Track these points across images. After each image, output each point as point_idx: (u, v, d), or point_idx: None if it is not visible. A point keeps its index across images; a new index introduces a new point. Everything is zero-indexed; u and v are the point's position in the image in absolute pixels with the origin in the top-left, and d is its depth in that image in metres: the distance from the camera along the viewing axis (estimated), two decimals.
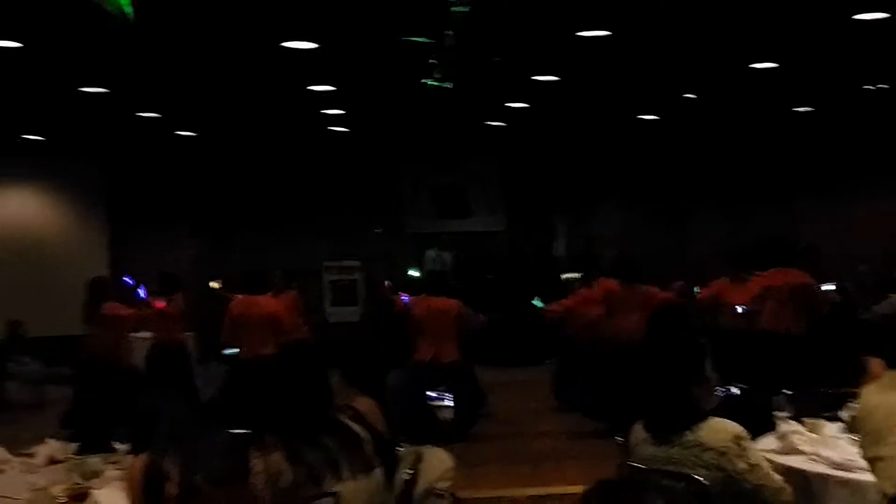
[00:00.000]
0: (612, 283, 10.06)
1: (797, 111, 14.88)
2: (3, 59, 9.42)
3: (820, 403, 5.32)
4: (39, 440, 5.12)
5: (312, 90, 11.87)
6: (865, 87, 12.86)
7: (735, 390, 5.15)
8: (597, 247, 17.10)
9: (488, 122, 15.46)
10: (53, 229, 16.74)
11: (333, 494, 3.72)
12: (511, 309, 15.81)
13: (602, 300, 10.08)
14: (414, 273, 15.90)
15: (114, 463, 4.60)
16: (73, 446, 4.88)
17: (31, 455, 4.81)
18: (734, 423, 3.94)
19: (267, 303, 10.07)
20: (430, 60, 9.68)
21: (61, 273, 15.84)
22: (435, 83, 10.21)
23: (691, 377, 3.97)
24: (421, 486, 3.99)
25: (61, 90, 11.38)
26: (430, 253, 17.06)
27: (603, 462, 6.42)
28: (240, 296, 10.15)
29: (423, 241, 17.50)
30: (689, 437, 3.91)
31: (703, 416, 3.95)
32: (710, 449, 3.85)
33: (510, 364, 14.99)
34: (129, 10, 6.14)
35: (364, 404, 4.12)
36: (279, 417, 4.07)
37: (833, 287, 10.40)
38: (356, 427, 3.96)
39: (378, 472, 3.88)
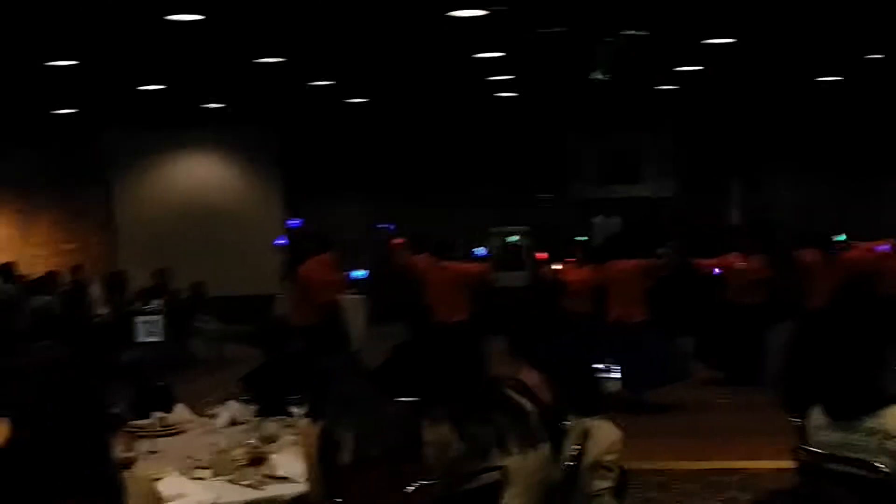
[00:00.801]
0: (812, 253, 9.88)
1: None
2: (186, 32, 9.75)
3: None
4: (220, 399, 5.37)
5: (480, 57, 11.86)
6: None
7: None
8: (773, 214, 16.53)
9: (659, 87, 15.13)
10: (233, 194, 17.44)
11: (500, 468, 3.76)
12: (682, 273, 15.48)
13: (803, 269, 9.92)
14: (581, 239, 15.77)
15: (290, 427, 4.76)
16: (253, 409, 5.08)
17: (212, 416, 5.04)
18: None
19: (458, 268, 10.14)
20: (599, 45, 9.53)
21: (240, 236, 16.48)
22: (602, 72, 10.07)
23: (876, 360, 3.81)
24: (588, 459, 3.98)
25: (239, 60, 11.74)
26: (597, 220, 16.88)
27: (773, 438, 6.26)
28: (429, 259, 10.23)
29: (590, 207, 17.32)
30: (872, 423, 3.77)
31: (886, 402, 3.79)
32: (895, 437, 3.69)
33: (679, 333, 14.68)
34: None
35: (531, 377, 4.12)
36: (447, 389, 4.13)
37: None
38: (523, 401, 3.98)
39: (545, 447, 3.89)
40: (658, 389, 9.93)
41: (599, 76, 10.36)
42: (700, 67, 13.35)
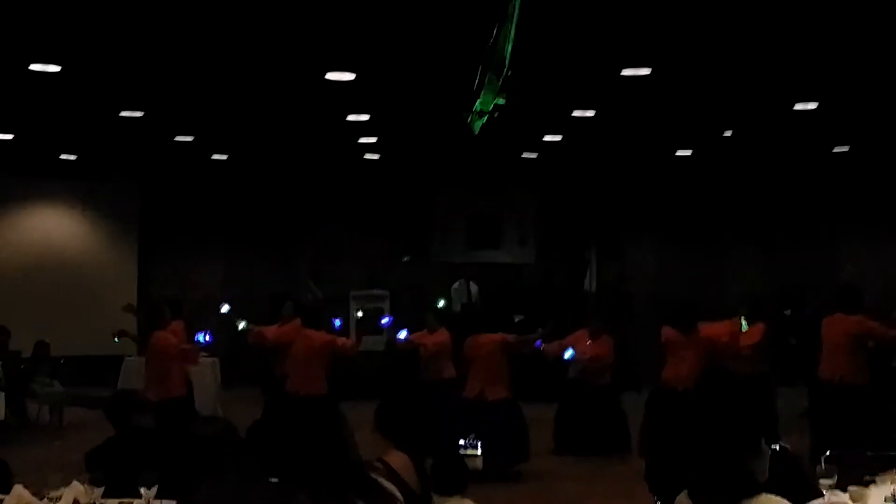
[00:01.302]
0: (669, 330, 9.94)
1: (836, 151, 14.70)
2: (43, 82, 9.42)
3: (864, 467, 5.15)
4: (63, 479, 5.02)
5: (350, 120, 11.82)
6: None
7: (776, 447, 4.97)
8: (628, 283, 16.91)
9: (525, 154, 15.37)
10: (85, 249, 16.78)
11: None
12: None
13: (661, 345, 9.98)
14: (440, 304, 15.77)
15: None
16: (99, 490, 4.77)
17: (55, 499, 4.70)
18: (784, 500, 3.74)
19: (320, 335, 9.80)
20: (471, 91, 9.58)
21: (91, 293, 15.87)
22: (476, 120, 10.11)
23: (748, 447, 3.76)
24: None
25: (100, 112, 11.40)
26: (456, 285, 16.92)
27: None
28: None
29: (452, 270, 17.35)
30: None
31: (757, 490, 3.72)
32: None
33: (534, 399, 14.76)
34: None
35: (397, 459, 4.00)
36: (309, 471, 3.96)
37: None
38: (388, 485, 3.85)
39: None
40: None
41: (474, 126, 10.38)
42: (560, 137, 13.62)
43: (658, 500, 4.46)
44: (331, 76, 9.33)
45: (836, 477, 4.68)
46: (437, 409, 9.51)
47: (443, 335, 10.81)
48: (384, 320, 11.24)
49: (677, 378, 9.53)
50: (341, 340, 9.78)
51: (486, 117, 10.22)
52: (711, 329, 10.05)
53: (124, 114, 11.37)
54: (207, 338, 10.19)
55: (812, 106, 11.13)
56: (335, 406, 9.43)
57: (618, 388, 11.61)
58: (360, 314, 12.30)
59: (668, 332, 9.94)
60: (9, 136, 13.10)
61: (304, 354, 9.48)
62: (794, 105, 11.12)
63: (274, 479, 4.14)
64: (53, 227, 16.67)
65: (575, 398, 11.24)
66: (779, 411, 10.50)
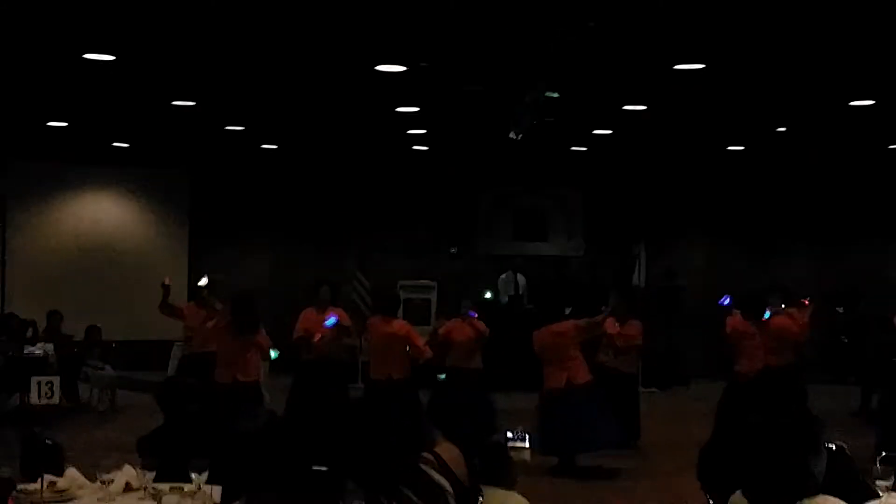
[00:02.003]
0: (737, 320, 9.92)
1: (891, 148, 14.48)
2: (97, 71, 9.53)
3: None
4: (115, 462, 5.08)
5: (399, 111, 11.84)
6: None
7: (832, 446, 4.90)
8: (677, 278, 16.77)
9: (574, 148, 15.31)
10: (136, 237, 17.01)
11: None
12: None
13: (727, 336, 9.94)
14: (486, 295, 15.75)
15: (191, 495, 4.52)
16: (151, 474, 4.82)
17: (106, 482, 4.76)
18: (840, 501, 3.66)
19: (400, 325, 10.14)
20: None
21: (141, 280, 16.05)
22: (516, 132, 10.11)
23: (808, 448, 3.66)
24: None
25: (152, 102, 11.53)
26: (504, 276, 16.88)
27: None
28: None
29: (498, 262, 17.33)
30: None
31: (816, 490, 3.64)
32: None
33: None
34: None
35: (448, 451, 4.00)
36: (361, 465, 3.95)
37: None
38: (438, 478, 3.85)
39: None
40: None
41: (513, 136, 10.36)
42: (611, 131, 13.55)
43: (710, 499, 4.42)
44: (381, 68, 9.33)
45: (893, 478, 4.61)
46: (487, 403, 9.55)
47: (479, 325, 10.80)
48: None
49: (753, 370, 9.45)
50: (418, 341, 9.96)
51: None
52: (780, 320, 10.03)
53: (176, 103, 11.47)
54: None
55: (868, 103, 10.97)
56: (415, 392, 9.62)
57: (661, 382, 11.51)
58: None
59: (736, 322, 9.81)
60: (63, 124, 13.29)
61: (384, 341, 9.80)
62: (849, 102, 10.96)
63: (321, 468, 4.15)
64: (106, 213, 16.90)
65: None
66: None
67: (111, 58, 9.03)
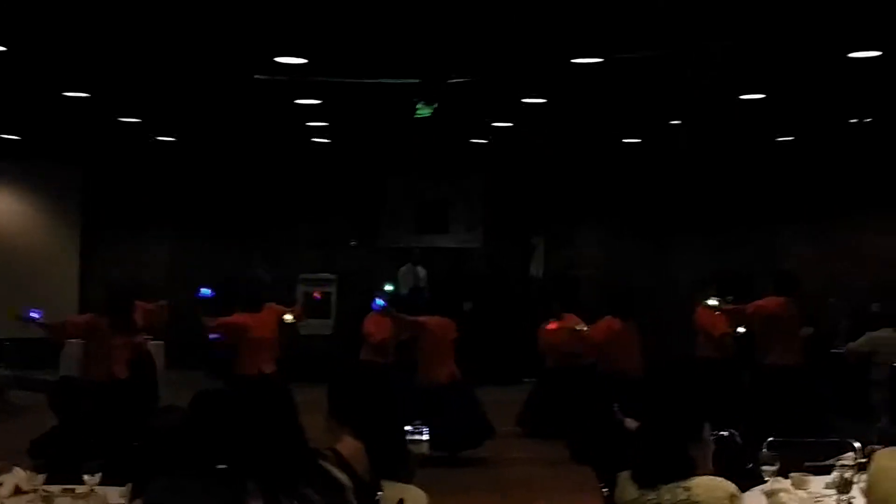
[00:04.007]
0: (612, 321, 10.02)
1: (780, 141, 14.93)
2: None
3: (804, 453, 5.25)
4: (5, 465, 4.95)
5: (299, 103, 11.74)
6: (851, 120, 12.89)
7: (723, 433, 5.08)
8: (575, 269, 17.02)
9: (474, 140, 15.39)
10: (26, 231, 16.51)
11: None
12: (487, 325, 15.73)
13: (604, 336, 10.01)
14: (387, 287, 15.74)
15: (83, 497, 4.44)
16: (41, 477, 4.71)
17: None
18: (728, 482, 3.87)
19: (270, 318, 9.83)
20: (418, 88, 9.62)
21: (32, 275, 15.63)
22: (424, 107, 10.11)
23: (688, 437, 3.89)
24: None
25: (43, 93, 11.21)
26: (404, 268, 16.90)
27: (577, 494, 6.33)
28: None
29: (400, 255, 17.34)
30: (682, 494, 3.83)
31: (694, 472, 3.88)
32: None
33: (485, 383, 14.86)
34: None
35: (348, 447, 3.98)
36: (258, 455, 3.92)
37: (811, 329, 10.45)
38: (338, 473, 3.83)
39: None
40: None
41: (424, 113, 10.40)
42: (511, 124, 13.66)
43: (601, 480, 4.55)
44: (281, 59, 9.25)
45: (778, 464, 4.77)
46: (389, 396, 9.49)
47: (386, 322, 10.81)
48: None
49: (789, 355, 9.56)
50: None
51: (434, 105, 10.27)
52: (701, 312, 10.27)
53: (68, 94, 11.18)
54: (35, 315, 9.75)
55: (758, 96, 11.28)
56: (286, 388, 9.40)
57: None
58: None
59: (772, 304, 9.79)
60: None
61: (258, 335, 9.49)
62: (740, 95, 11.26)
63: (221, 466, 4.10)
64: None
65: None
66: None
67: (2, 48, 8.76)
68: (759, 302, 9.86)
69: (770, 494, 4.57)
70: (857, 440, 4.98)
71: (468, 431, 9.90)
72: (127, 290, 9.45)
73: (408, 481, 4.94)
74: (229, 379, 9.49)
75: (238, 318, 9.58)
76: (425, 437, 8.06)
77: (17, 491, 4.67)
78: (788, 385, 9.41)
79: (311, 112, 12.47)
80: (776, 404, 9.18)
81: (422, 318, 10.13)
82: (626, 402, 9.18)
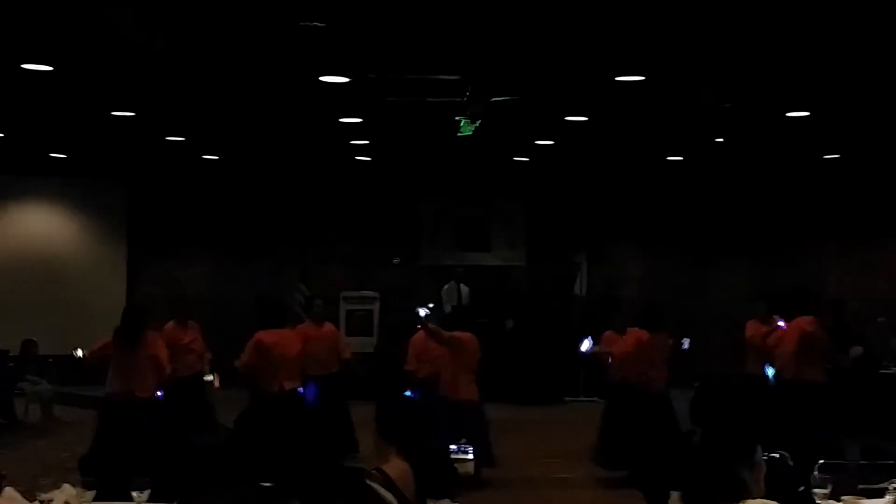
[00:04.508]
0: (640, 332, 9.94)
1: (826, 158, 14.77)
2: (35, 81, 9.38)
3: (857, 476, 5.18)
4: (54, 482, 5.00)
5: (342, 121, 11.81)
6: None
7: (775, 455, 5.00)
8: (617, 287, 16.91)
9: (515, 158, 15.38)
10: (74, 248, 16.72)
11: None
12: (527, 345, 15.67)
13: (631, 346, 9.94)
14: (429, 306, 15.72)
15: None
16: (90, 493, 4.74)
17: (46, 502, 4.67)
18: (768, 502, 3.78)
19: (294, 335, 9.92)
20: (463, 98, 9.61)
21: (80, 292, 15.81)
22: (467, 125, 10.12)
23: (741, 459, 3.80)
24: None
25: (90, 112, 11.37)
26: (447, 286, 16.88)
27: None
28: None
29: (441, 273, 17.33)
30: None
31: (745, 496, 3.79)
32: None
33: (523, 402, 14.81)
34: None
35: (396, 468, 3.96)
36: (302, 476, 3.94)
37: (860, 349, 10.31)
38: (384, 493, 3.82)
39: None
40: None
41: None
42: (552, 142, 13.64)
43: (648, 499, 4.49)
44: (325, 79, 9.31)
45: (830, 487, 4.70)
46: (433, 416, 9.47)
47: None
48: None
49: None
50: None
51: (477, 122, 10.28)
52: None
53: (115, 113, 11.32)
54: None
55: (804, 114, 11.18)
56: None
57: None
58: None
59: (809, 325, 9.74)
60: (0, 135, 13.06)
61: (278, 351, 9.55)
62: (786, 113, 11.16)
63: (267, 484, 4.12)
64: (42, 225, 16.60)
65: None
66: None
67: (49, 68, 8.89)
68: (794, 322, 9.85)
69: None
70: None
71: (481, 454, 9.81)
72: (136, 309, 9.52)
73: (452, 499, 4.94)
74: (251, 395, 9.54)
75: (259, 335, 9.65)
76: (470, 456, 8.00)
77: None
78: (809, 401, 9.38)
79: (354, 130, 12.52)
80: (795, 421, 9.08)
81: (457, 334, 10.09)
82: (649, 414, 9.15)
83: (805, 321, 9.69)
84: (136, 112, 11.30)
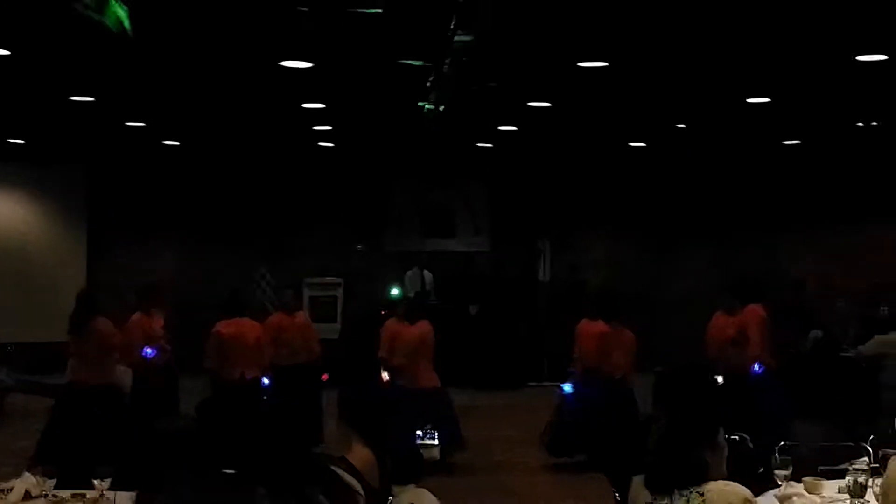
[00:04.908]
0: (596, 323, 10.03)
1: (786, 144, 14.91)
2: None
3: (818, 457, 5.24)
4: (13, 470, 4.95)
5: (305, 107, 11.74)
6: (858, 124, 12.87)
7: (735, 438, 5.05)
8: (581, 273, 16.99)
9: (479, 144, 15.38)
10: (32, 234, 16.52)
11: None
12: (491, 330, 15.73)
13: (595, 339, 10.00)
14: (393, 291, 15.71)
15: (92, 502, 4.42)
16: (51, 481, 4.70)
17: (5, 491, 4.62)
18: (742, 486, 3.82)
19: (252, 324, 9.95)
20: (427, 83, 9.57)
21: (39, 279, 15.63)
22: (430, 107, 10.10)
23: (703, 442, 3.84)
24: None
25: (49, 97, 11.21)
26: (410, 272, 16.88)
27: (584, 501, 6.29)
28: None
29: (405, 259, 17.33)
30: (696, 499, 3.79)
31: (707, 478, 3.83)
32: None
33: (487, 387, 14.87)
34: (128, 25, 6.00)
35: (360, 456, 3.94)
36: (266, 463, 3.91)
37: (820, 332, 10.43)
38: (349, 479, 3.81)
39: None
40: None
41: (429, 110, 10.40)
42: (516, 128, 13.65)
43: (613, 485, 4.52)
44: (286, 63, 9.24)
45: (790, 468, 4.75)
46: (397, 402, 9.43)
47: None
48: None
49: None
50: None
51: (440, 107, 10.26)
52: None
53: (74, 98, 11.19)
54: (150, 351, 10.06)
55: (764, 100, 11.26)
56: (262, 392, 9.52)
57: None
58: None
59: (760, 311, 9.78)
60: None
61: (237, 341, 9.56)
62: (746, 99, 11.24)
63: (230, 471, 4.10)
64: (0, 211, 16.38)
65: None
66: None
67: (6, 52, 8.76)
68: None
69: (783, 499, 4.56)
70: (870, 444, 4.96)
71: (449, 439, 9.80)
72: (84, 296, 9.44)
73: (416, 483, 4.93)
74: (213, 384, 9.58)
75: (217, 327, 9.70)
76: (435, 441, 8.04)
77: (27, 496, 4.67)
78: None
79: (317, 116, 12.46)
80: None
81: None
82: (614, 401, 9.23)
83: (755, 309, 9.79)
84: (95, 97, 11.16)
